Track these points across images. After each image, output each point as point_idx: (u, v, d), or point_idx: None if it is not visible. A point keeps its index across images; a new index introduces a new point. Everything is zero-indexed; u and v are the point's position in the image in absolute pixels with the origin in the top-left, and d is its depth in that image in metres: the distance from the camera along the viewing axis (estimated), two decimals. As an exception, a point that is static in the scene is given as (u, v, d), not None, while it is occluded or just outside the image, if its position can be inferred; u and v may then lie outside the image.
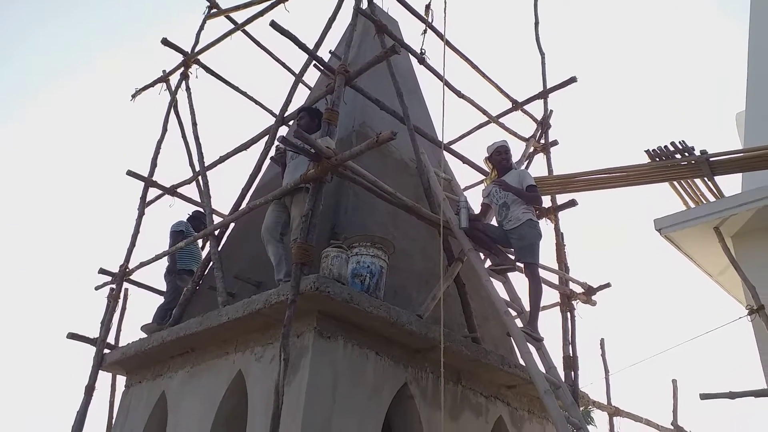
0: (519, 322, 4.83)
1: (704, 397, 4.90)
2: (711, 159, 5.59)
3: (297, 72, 6.80)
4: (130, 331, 6.14)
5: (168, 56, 8.31)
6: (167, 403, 5.09)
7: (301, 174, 4.59)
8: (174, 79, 7.53)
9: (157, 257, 6.12)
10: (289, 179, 4.88)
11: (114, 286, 6.38)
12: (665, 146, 5.71)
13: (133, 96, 7.90)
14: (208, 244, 6.35)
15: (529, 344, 4.45)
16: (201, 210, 6.70)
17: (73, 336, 6.01)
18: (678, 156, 5.70)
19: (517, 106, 7.72)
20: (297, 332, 4.17)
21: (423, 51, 6.76)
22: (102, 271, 6.50)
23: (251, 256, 5.53)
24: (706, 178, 5.86)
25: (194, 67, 7.40)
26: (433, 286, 5.10)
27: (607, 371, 7.06)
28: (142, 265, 6.29)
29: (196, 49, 7.48)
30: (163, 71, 7.65)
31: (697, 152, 5.60)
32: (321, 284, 3.98)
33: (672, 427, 7.11)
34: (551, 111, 7.64)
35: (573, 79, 7.53)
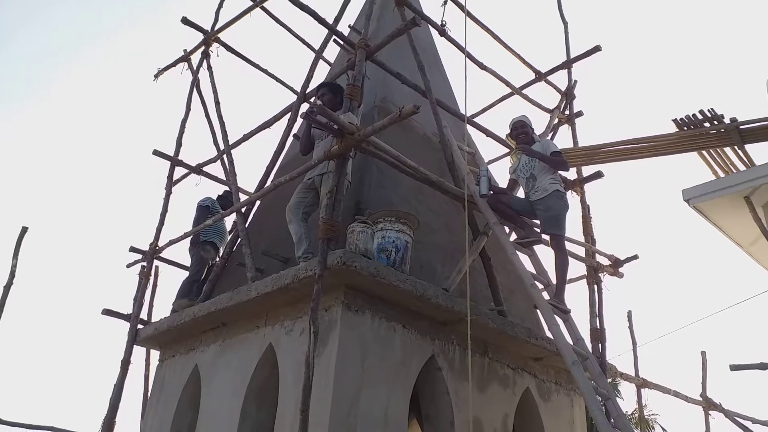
0: (546, 295, 4.83)
1: (734, 368, 4.87)
2: (741, 127, 5.47)
3: (317, 48, 6.78)
4: (162, 307, 6.30)
5: (188, 35, 8.34)
6: (200, 376, 5.24)
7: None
8: (195, 58, 7.55)
9: (186, 235, 6.23)
10: (317, 157, 4.90)
11: (145, 263, 6.52)
12: (693, 114, 5.59)
13: (156, 76, 7.96)
14: (234, 223, 6.46)
15: (556, 316, 4.46)
16: (229, 191, 6.79)
17: (108, 312, 6.18)
18: (707, 124, 5.59)
19: (540, 76, 7.61)
20: (325, 306, 4.23)
21: (444, 23, 6.67)
22: (133, 249, 6.64)
23: (278, 232, 5.60)
24: (736, 147, 5.73)
25: (215, 45, 7.41)
26: (458, 260, 5.12)
27: (634, 343, 7.06)
28: (171, 242, 6.41)
29: (216, 27, 7.48)
30: (184, 50, 7.68)
31: (726, 120, 5.48)
32: (348, 259, 4.02)
33: (701, 399, 7.10)
34: (575, 81, 7.52)
35: (597, 48, 7.38)
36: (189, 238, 6.38)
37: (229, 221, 6.70)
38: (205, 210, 6.45)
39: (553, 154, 5.08)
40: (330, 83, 5.45)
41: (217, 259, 6.26)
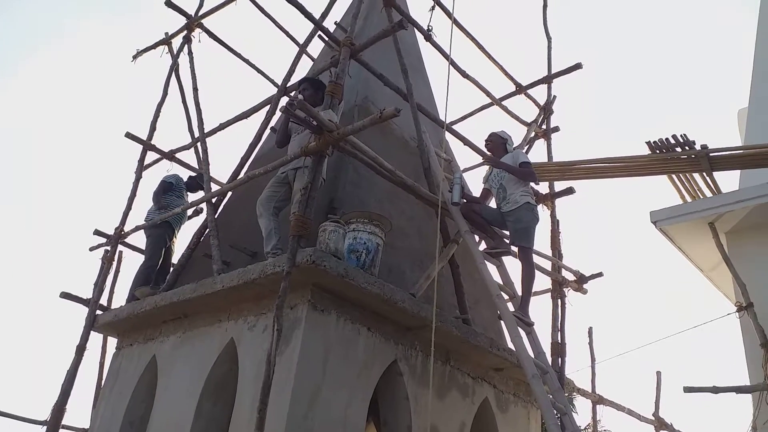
0: (510, 306, 4.87)
1: (688, 390, 4.97)
2: (711, 154, 5.60)
3: (301, 42, 6.73)
4: (123, 294, 6.16)
5: (170, 18, 8.17)
6: (158, 367, 5.13)
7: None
8: (176, 42, 7.42)
9: (153, 222, 6.10)
10: (292, 153, 4.85)
11: (109, 248, 6.37)
12: (666, 139, 5.71)
13: (134, 57, 7.79)
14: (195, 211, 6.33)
15: (519, 328, 4.49)
16: (201, 174, 6.66)
17: (66, 296, 6.02)
18: (678, 149, 5.71)
19: (520, 89, 7.68)
20: (291, 304, 4.19)
21: (430, 28, 6.68)
22: (97, 233, 6.49)
23: (247, 225, 5.52)
24: (704, 173, 5.87)
25: (197, 31, 7.28)
26: (427, 265, 5.12)
27: (593, 359, 7.16)
28: (137, 228, 6.28)
29: (200, 13, 7.36)
30: (166, 33, 7.54)
31: (697, 147, 5.60)
32: (317, 258, 3.98)
33: (653, 418, 7.24)
34: (554, 96, 7.61)
35: (578, 66, 7.49)
36: (146, 218, 6.24)
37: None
38: (167, 186, 6.36)
39: (522, 164, 5.11)
40: (312, 78, 5.41)
41: (173, 241, 6.16)
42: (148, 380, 5.20)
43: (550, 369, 4.60)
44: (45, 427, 5.56)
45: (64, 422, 5.61)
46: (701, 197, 6.14)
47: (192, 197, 6.67)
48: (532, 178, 5.21)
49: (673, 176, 6.15)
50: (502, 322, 4.85)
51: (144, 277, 5.87)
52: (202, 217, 5.75)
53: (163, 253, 6.11)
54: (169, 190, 6.33)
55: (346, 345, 4.29)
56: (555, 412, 4.11)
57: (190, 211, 6.54)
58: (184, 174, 6.92)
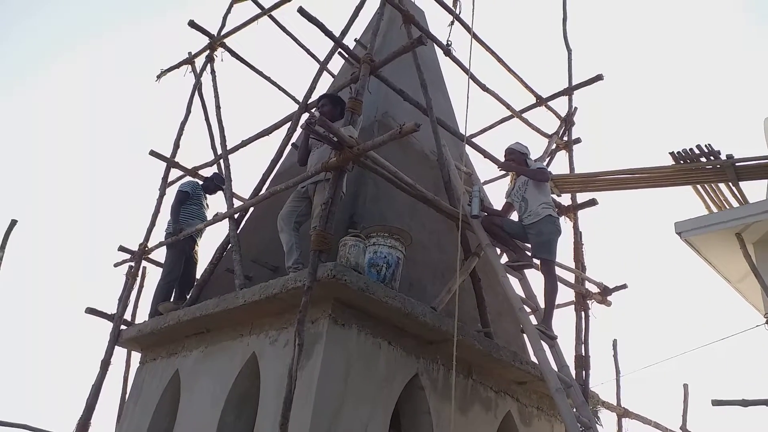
0: (533, 320, 4.82)
1: (716, 403, 4.86)
2: (737, 164, 5.52)
3: (322, 59, 6.80)
4: (147, 309, 6.23)
5: (194, 38, 8.36)
6: (180, 382, 5.18)
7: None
8: (199, 61, 7.58)
9: (176, 238, 6.19)
10: (312, 168, 4.90)
11: (133, 263, 6.47)
12: (690, 149, 5.64)
13: (159, 77, 7.96)
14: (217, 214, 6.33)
15: (542, 342, 4.45)
16: (218, 173, 6.70)
17: (91, 311, 6.12)
18: (703, 159, 5.63)
19: (541, 101, 7.65)
20: (312, 318, 4.20)
21: (449, 43, 6.71)
22: (122, 249, 6.60)
23: (269, 241, 5.57)
24: (730, 183, 5.78)
25: (219, 50, 7.43)
26: (448, 279, 5.11)
27: (618, 372, 7.02)
28: (161, 244, 6.36)
29: (222, 32, 7.51)
30: (189, 53, 7.70)
31: (723, 156, 5.52)
32: (338, 272, 4.00)
33: (681, 432, 7.07)
34: (575, 108, 7.57)
35: (599, 77, 7.45)
36: (166, 231, 6.25)
37: (215, 208, 6.61)
38: (184, 197, 6.31)
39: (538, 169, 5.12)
40: (331, 95, 5.47)
41: (195, 251, 6.19)
42: (172, 394, 5.25)
43: (574, 382, 4.54)
44: (71, 441, 5.62)
45: (89, 436, 5.67)
46: (727, 208, 6.03)
47: (211, 199, 6.68)
48: (543, 176, 5.16)
49: (698, 187, 6.06)
50: (524, 335, 4.81)
51: (165, 292, 5.92)
52: (225, 231, 5.80)
53: (182, 266, 6.12)
54: (186, 200, 6.30)
55: (367, 359, 4.29)
56: (579, 426, 4.05)
57: (209, 215, 6.53)
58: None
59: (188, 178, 6.86)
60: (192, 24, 7.24)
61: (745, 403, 4.83)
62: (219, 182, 6.54)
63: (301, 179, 4.85)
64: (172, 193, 6.99)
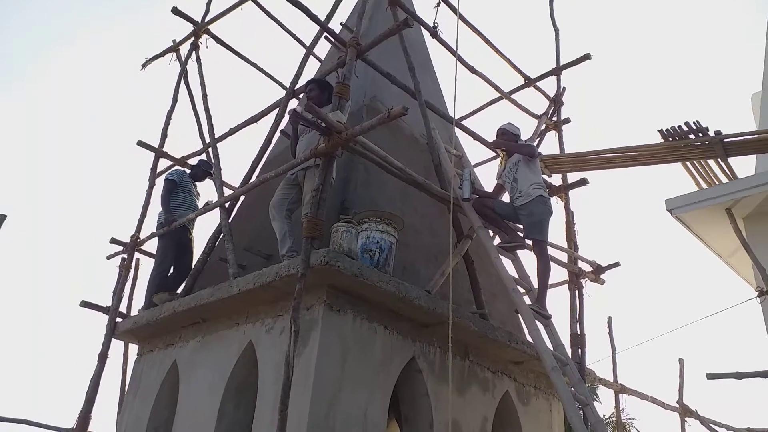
0: (527, 300, 4.85)
1: (711, 376, 4.92)
2: (725, 140, 5.54)
3: (308, 44, 6.74)
4: (142, 300, 6.22)
5: (178, 25, 8.25)
6: (179, 372, 5.18)
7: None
8: (184, 49, 7.48)
9: (168, 229, 6.16)
10: (301, 154, 4.87)
11: (125, 256, 6.44)
12: (679, 126, 5.65)
13: (144, 66, 7.86)
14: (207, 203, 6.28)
15: (537, 321, 4.48)
16: (204, 160, 6.65)
17: (86, 304, 6.09)
18: (692, 136, 5.65)
19: (529, 82, 7.64)
20: (307, 305, 4.21)
21: (436, 25, 6.66)
22: (113, 241, 6.56)
23: (261, 229, 5.56)
24: (719, 159, 5.80)
25: (204, 37, 7.33)
26: (442, 262, 5.12)
27: (614, 349, 7.12)
28: (153, 235, 6.33)
29: (207, 19, 7.40)
30: (174, 41, 7.60)
31: (711, 133, 5.54)
32: (331, 258, 4.00)
33: (678, 405, 7.19)
34: (564, 88, 7.56)
35: (587, 56, 7.43)
36: (158, 222, 6.22)
37: (205, 196, 6.56)
38: (172, 186, 6.25)
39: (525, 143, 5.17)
40: (318, 80, 5.43)
41: (190, 239, 6.16)
42: (170, 385, 5.26)
43: (570, 361, 4.58)
44: (71, 435, 5.64)
45: (90, 429, 5.68)
46: (717, 183, 6.07)
47: (201, 187, 6.64)
48: (528, 150, 5.16)
49: (688, 164, 6.09)
50: (519, 315, 4.84)
51: (157, 283, 5.90)
52: (216, 220, 5.78)
53: (174, 256, 6.10)
54: (174, 188, 6.25)
55: (363, 344, 4.31)
56: (576, 403, 4.10)
57: (200, 203, 6.45)
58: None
59: (175, 167, 6.80)
60: (175, 11, 7.13)
61: (739, 376, 4.89)
62: (206, 168, 6.49)
63: (290, 166, 4.83)
64: (161, 183, 6.94)
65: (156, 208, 6.48)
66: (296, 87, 6.21)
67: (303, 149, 4.86)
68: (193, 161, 7.11)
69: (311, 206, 4.24)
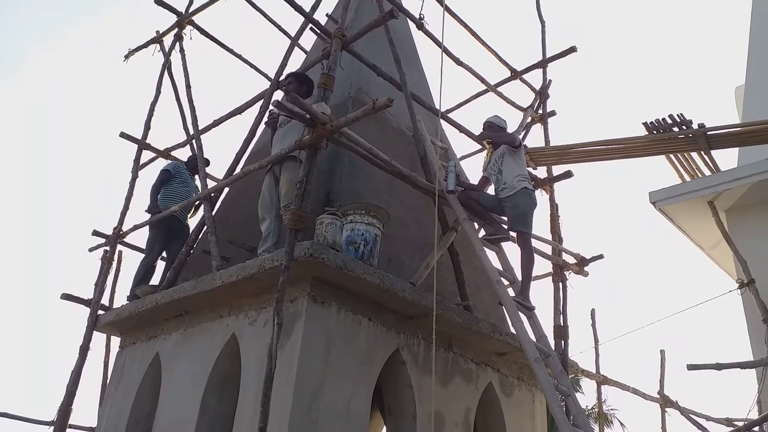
0: (511, 292, 4.87)
1: (691, 367, 4.98)
2: (708, 133, 5.58)
3: (293, 35, 6.69)
4: (124, 293, 6.18)
5: (161, 16, 8.16)
6: (161, 365, 5.15)
7: (290, 142, 4.58)
8: (168, 40, 7.38)
9: (151, 221, 6.10)
10: (278, 147, 4.85)
11: (108, 248, 6.37)
12: (663, 119, 5.68)
13: (126, 57, 7.75)
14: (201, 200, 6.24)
15: (520, 313, 4.50)
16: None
17: (67, 297, 6.03)
18: (676, 129, 5.69)
19: (515, 75, 7.64)
20: (290, 297, 4.19)
21: (422, 16, 6.63)
22: (96, 233, 6.49)
23: (245, 221, 5.52)
24: (702, 152, 5.85)
25: (188, 28, 7.24)
26: (426, 254, 5.12)
27: (596, 341, 7.18)
28: (135, 227, 6.28)
29: (190, 10, 7.32)
30: (157, 32, 7.50)
31: (695, 126, 5.58)
32: (315, 251, 3.98)
33: (658, 396, 7.27)
34: (550, 81, 7.57)
35: (573, 49, 7.44)
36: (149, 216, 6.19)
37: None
38: (166, 176, 6.24)
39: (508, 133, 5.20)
40: (297, 73, 5.44)
41: (185, 231, 6.10)
42: (153, 378, 5.22)
43: (553, 352, 4.60)
44: (52, 428, 5.59)
45: (70, 422, 5.64)
46: (700, 176, 6.13)
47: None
48: (509, 139, 5.17)
49: (671, 156, 6.14)
50: (503, 307, 4.86)
51: (141, 275, 5.87)
52: (200, 213, 5.73)
53: (161, 247, 6.04)
54: (168, 179, 6.23)
55: (347, 336, 4.30)
56: (558, 394, 4.12)
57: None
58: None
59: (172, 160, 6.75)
60: (159, 1, 7.04)
61: (719, 367, 4.96)
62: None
63: (275, 158, 4.79)
64: (144, 175, 6.88)
65: (138, 200, 6.43)
66: (281, 78, 6.16)
67: (277, 142, 4.85)
68: (178, 153, 7.08)
69: (295, 198, 4.21)
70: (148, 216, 6.13)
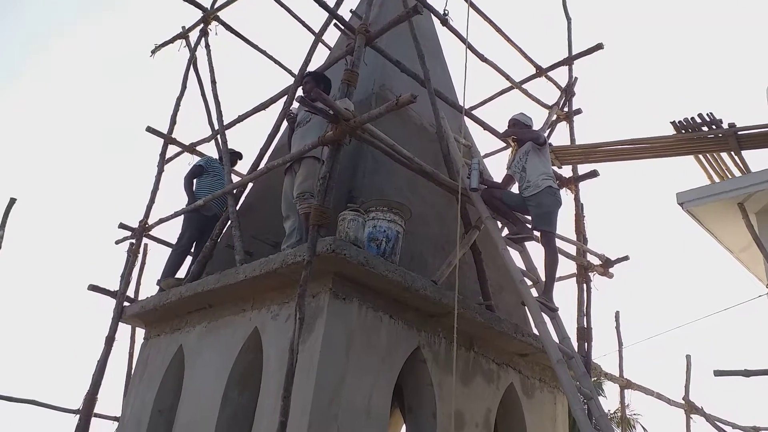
0: (534, 292, 4.82)
1: (718, 373, 4.89)
2: (739, 132, 5.46)
3: (317, 31, 6.70)
4: (149, 285, 6.27)
5: (187, 12, 8.24)
6: (184, 357, 5.21)
7: (310, 140, 4.61)
8: (193, 35, 7.46)
9: (176, 214, 6.17)
10: (297, 146, 4.87)
11: (134, 241, 6.47)
12: (692, 118, 5.57)
13: (153, 52, 7.84)
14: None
15: (543, 314, 4.45)
16: (235, 150, 6.63)
17: (94, 288, 6.14)
18: (705, 128, 5.58)
19: (541, 72, 7.55)
20: (312, 293, 4.20)
21: (446, 12, 6.57)
22: (122, 226, 6.59)
23: (269, 216, 5.55)
24: (732, 152, 5.72)
25: (213, 23, 7.31)
26: (449, 252, 5.10)
27: (620, 344, 7.08)
28: (161, 221, 6.36)
29: (216, 5, 7.38)
30: (183, 27, 7.58)
31: (725, 125, 5.46)
32: (337, 246, 3.99)
33: (683, 402, 7.15)
34: (576, 78, 7.47)
35: (599, 46, 7.33)
36: (179, 217, 6.26)
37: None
38: (198, 170, 6.33)
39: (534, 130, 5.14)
40: (314, 72, 5.46)
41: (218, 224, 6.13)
42: (176, 370, 5.29)
43: (576, 354, 4.55)
44: (78, 416, 5.70)
45: (96, 411, 5.75)
46: (730, 177, 5.98)
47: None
48: (533, 135, 5.12)
49: (700, 156, 6.01)
50: (525, 307, 4.82)
51: (168, 268, 5.94)
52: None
53: (192, 239, 6.08)
54: (200, 173, 6.30)
55: (368, 332, 4.30)
56: (581, 397, 4.07)
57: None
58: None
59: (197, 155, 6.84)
60: (185, -3, 7.10)
61: (747, 373, 4.85)
62: (233, 152, 6.51)
63: (298, 154, 4.80)
64: (170, 169, 6.98)
65: (164, 194, 6.53)
66: (305, 74, 6.17)
67: (297, 140, 4.87)
68: (203, 148, 7.15)
69: (318, 194, 4.22)
70: (172, 210, 6.20)
